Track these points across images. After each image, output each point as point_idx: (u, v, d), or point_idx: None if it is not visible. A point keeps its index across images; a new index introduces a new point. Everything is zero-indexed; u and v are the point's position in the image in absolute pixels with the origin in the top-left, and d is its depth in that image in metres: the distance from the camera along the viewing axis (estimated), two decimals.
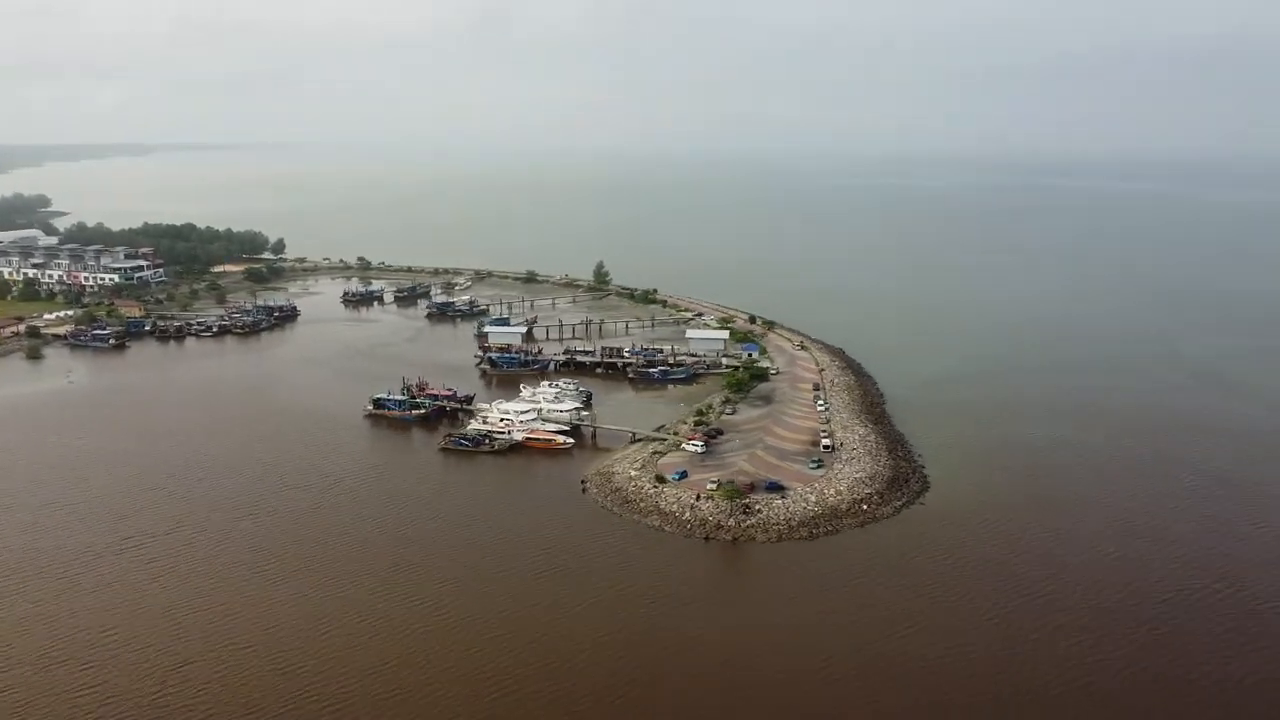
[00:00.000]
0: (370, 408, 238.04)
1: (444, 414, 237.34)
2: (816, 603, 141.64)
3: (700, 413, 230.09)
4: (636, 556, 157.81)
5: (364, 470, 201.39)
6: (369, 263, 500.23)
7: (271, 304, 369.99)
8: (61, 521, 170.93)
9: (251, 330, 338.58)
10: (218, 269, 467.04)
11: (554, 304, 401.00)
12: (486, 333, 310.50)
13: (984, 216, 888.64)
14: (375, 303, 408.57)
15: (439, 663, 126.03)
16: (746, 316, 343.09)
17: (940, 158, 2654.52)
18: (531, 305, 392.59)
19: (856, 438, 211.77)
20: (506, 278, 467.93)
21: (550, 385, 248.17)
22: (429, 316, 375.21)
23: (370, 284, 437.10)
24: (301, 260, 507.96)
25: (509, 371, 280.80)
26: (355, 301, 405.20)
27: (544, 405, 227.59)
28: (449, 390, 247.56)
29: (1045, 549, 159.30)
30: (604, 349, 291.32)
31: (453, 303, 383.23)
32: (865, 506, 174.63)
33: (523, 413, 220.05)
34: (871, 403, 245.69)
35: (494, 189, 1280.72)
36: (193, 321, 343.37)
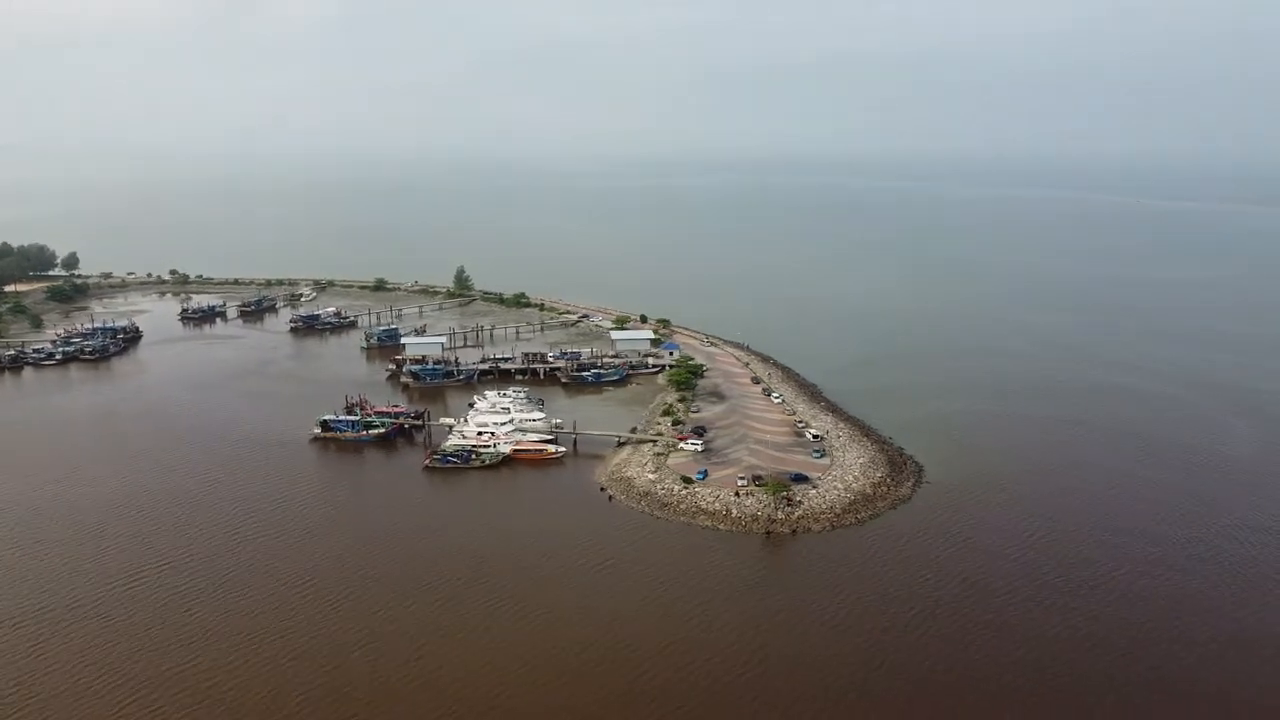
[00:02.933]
0: (318, 431, 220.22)
1: (400, 433, 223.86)
2: (915, 578, 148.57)
3: (667, 412, 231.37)
4: (709, 557, 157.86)
5: (353, 496, 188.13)
6: (187, 276, 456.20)
7: (113, 325, 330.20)
8: (36, 572, 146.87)
9: (101, 356, 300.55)
10: (9, 288, 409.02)
11: (421, 312, 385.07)
12: (404, 344, 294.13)
13: (753, 212, 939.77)
14: (218, 319, 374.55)
15: (553, 691, 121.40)
16: (638, 316, 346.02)
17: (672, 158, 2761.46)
18: (400, 314, 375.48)
19: (829, 425, 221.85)
20: (352, 287, 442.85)
21: (500, 394, 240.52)
22: (293, 331, 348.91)
23: (189, 299, 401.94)
24: (107, 275, 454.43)
25: (433, 384, 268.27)
26: (197, 319, 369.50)
27: (515, 415, 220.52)
28: (395, 407, 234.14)
29: (1054, 511, 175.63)
30: (525, 355, 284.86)
31: (318, 315, 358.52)
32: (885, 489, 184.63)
33: (501, 424, 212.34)
34: (814, 392, 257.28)
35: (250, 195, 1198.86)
36: (28, 349, 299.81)
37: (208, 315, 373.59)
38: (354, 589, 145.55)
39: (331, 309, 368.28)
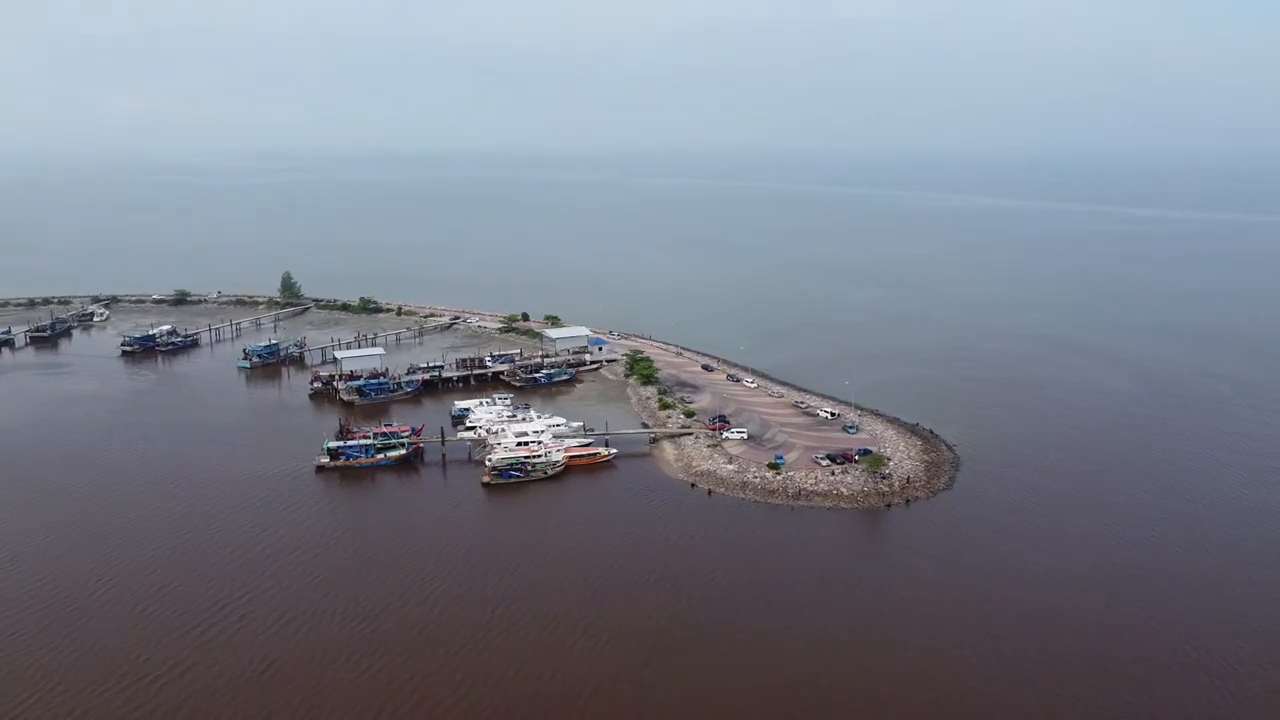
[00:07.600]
0: (324, 459, 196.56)
1: (419, 454, 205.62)
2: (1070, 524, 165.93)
3: (664, 405, 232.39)
4: (874, 534, 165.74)
5: (428, 523, 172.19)
6: None
7: None
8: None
9: None
10: None
11: (257, 325, 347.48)
12: (338, 358, 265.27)
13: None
14: (4, 348, 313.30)
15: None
16: (520, 315, 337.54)
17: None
18: (240, 328, 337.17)
19: (819, 402, 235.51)
20: (144, 301, 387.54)
21: (489, 402, 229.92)
22: (126, 354, 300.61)
23: None
24: None
25: (379, 399, 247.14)
26: None
27: (539, 421, 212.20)
28: (390, 427, 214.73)
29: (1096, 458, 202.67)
30: (459, 361, 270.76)
31: (153, 335, 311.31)
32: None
33: (540, 432, 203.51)
34: (763, 375, 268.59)
35: None
36: None
37: None
38: (535, 626, 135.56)
39: (166, 327, 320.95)
